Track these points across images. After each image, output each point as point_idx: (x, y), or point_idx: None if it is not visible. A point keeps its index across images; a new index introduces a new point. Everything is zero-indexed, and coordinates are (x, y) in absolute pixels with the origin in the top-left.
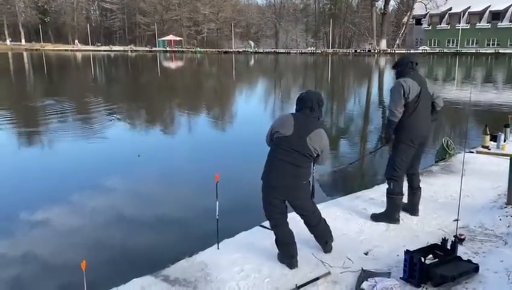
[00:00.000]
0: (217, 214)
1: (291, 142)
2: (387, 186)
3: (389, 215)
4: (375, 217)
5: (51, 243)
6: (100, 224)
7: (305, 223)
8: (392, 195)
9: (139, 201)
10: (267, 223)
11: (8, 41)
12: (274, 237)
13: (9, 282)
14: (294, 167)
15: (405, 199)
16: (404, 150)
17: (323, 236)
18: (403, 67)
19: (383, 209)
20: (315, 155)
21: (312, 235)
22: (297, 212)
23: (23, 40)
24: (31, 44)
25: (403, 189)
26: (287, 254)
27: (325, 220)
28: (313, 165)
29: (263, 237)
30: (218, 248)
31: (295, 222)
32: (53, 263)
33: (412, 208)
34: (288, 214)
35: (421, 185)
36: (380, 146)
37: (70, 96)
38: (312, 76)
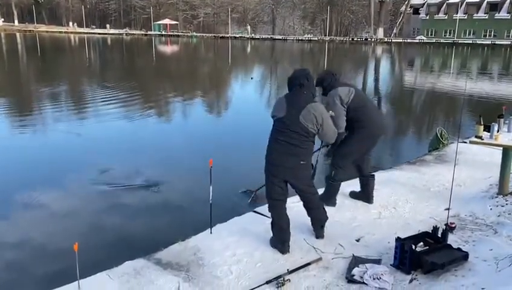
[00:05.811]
0: (211, 199)
1: (286, 122)
2: (328, 172)
3: (328, 199)
4: None
5: (44, 225)
6: (93, 207)
7: (305, 205)
8: (333, 181)
9: (132, 185)
10: (260, 209)
11: (0, 22)
12: (266, 223)
13: (0, 264)
14: (292, 146)
15: (358, 188)
16: (360, 144)
17: (320, 220)
18: (329, 80)
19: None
20: (316, 130)
21: (305, 222)
22: (298, 193)
23: (16, 21)
24: (24, 25)
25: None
26: (280, 238)
27: (323, 204)
28: (320, 146)
29: (256, 222)
30: (211, 233)
31: (289, 208)
32: (45, 245)
33: (366, 197)
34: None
35: (414, 174)
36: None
37: (64, 82)
38: (308, 63)
